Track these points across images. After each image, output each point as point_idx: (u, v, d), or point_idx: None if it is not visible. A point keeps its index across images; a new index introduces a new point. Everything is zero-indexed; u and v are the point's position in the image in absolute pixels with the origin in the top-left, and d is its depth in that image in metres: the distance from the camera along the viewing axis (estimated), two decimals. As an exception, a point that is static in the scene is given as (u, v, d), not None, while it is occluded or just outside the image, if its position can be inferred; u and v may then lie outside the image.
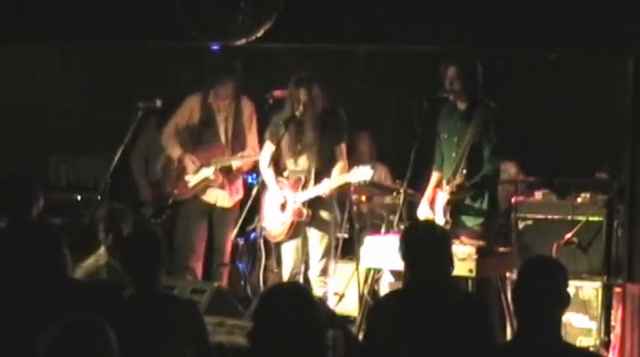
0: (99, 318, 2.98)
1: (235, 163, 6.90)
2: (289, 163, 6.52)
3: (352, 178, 6.27)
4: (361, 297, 6.25)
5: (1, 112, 7.69)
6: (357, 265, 6.52)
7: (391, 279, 6.75)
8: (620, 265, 5.96)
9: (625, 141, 5.64)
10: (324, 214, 6.44)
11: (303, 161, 6.45)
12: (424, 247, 4.13)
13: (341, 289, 6.88)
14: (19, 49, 7.32)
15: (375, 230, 7.00)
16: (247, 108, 7.00)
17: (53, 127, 8.08)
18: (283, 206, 6.46)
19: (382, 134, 7.85)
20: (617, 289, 6.05)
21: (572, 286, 5.88)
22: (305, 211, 6.39)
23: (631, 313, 5.56)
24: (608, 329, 6.13)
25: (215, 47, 6.84)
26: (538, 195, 6.74)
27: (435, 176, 6.13)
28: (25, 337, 3.02)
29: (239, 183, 7.05)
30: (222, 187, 6.93)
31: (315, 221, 6.44)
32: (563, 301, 3.49)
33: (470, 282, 5.40)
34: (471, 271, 5.36)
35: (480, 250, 5.44)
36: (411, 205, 6.47)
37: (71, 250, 4.14)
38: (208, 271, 7.02)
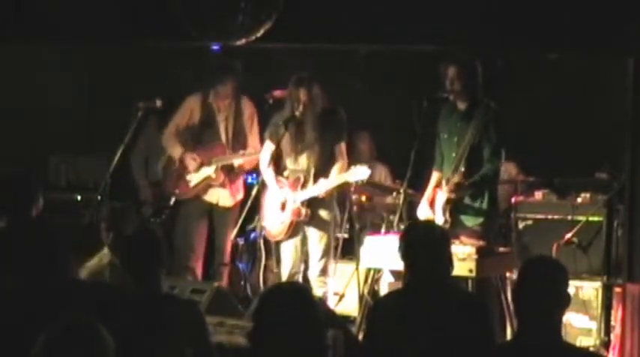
0: (94, 318, 2.97)
1: (237, 161, 6.90)
2: (289, 163, 6.53)
3: (350, 177, 6.28)
4: (361, 297, 6.25)
5: (1, 112, 7.69)
6: (357, 265, 6.53)
7: (391, 279, 6.75)
8: (620, 265, 5.96)
9: (625, 141, 5.64)
10: (324, 214, 6.45)
11: (303, 161, 6.46)
12: (424, 247, 4.13)
13: (341, 289, 6.88)
14: (19, 49, 7.32)
15: (375, 230, 7.00)
16: (248, 108, 7.00)
17: (53, 127, 8.08)
18: (283, 206, 6.47)
19: (382, 134, 7.85)
20: (617, 289, 6.05)
21: (572, 286, 5.87)
22: (304, 210, 6.39)
23: (631, 313, 5.56)
24: (608, 329, 6.13)
25: (215, 47, 6.84)
26: (538, 195, 6.74)
27: (435, 176, 6.13)
28: (25, 338, 3.02)
29: (240, 182, 7.05)
30: (223, 185, 6.93)
31: (314, 221, 6.44)
32: (564, 301, 3.49)
33: (470, 282, 5.40)
34: (471, 271, 5.36)
35: (479, 250, 5.43)
36: (411, 205, 6.47)
37: (72, 250, 4.13)
38: (208, 271, 7.03)
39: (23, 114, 7.81)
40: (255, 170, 6.90)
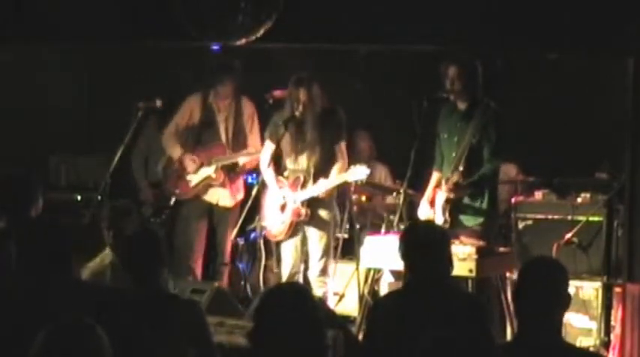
0: (91, 318, 2.97)
1: (242, 160, 6.90)
2: (289, 163, 6.53)
3: (349, 176, 6.29)
4: (361, 297, 6.25)
5: (1, 112, 7.69)
6: (357, 265, 6.53)
7: (391, 279, 6.75)
8: (620, 265, 5.96)
9: (625, 141, 5.64)
10: (323, 214, 6.45)
11: (303, 161, 6.46)
12: (424, 247, 4.13)
13: (341, 289, 6.88)
14: (19, 49, 7.32)
15: (375, 230, 6.99)
16: (248, 108, 7.00)
17: (53, 127, 8.08)
18: (283, 206, 6.47)
19: (382, 134, 7.85)
20: (617, 289, 6.05)
21: (572, 286, 5.87)
22: (304, 210, 6.40)
23: (631, 313, 5.56)
24: (608, 329, 6.14)
25: (215, 47, 6.84)
26: (538, 195, 6.74)
27: (435, 176, 6.13)
28: (25, 338, 3.02)
29: (240, 182, 7.05)
30: (223, 185, 6.93)
31: (314, 221, 6.44)
32: (564, 302, 3.48)
33: (470, 282, 5.41)
34: (471, 271, 5.36)
35: (479, 250, 5.44)
36: (411, 205, 6.47)
37: (72, 250, 4.13)
38: (208, 271, 7.03)
39: (23, 114, 7.81)
40: (256, 170, 6.91)
